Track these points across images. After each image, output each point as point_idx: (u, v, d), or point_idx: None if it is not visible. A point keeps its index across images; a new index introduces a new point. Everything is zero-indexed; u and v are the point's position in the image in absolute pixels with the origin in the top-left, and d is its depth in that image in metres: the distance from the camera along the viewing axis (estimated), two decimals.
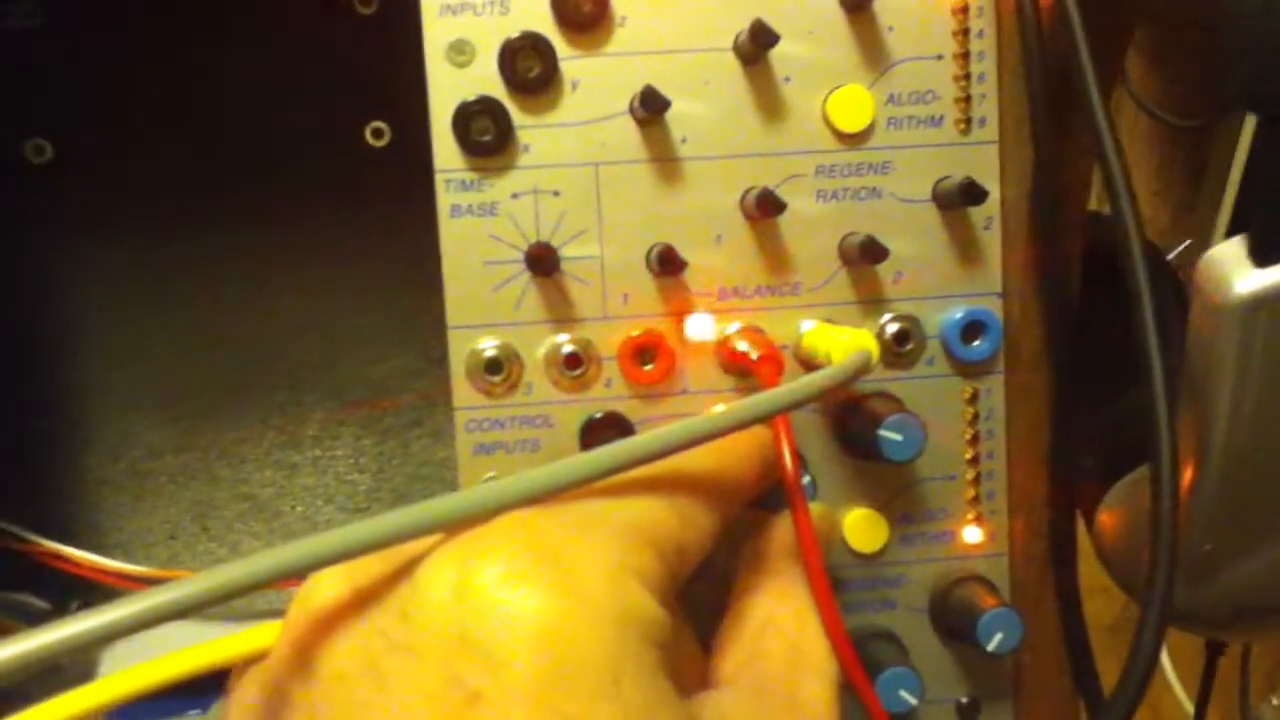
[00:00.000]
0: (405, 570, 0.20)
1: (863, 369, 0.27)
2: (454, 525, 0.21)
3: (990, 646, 0.28)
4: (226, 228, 0.40)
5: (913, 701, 0.28)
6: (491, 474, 0.30)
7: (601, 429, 0.30)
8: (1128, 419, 0.30)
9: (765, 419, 0.25)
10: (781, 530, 0.27)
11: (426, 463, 0.40)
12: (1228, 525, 0.27)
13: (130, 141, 0.40)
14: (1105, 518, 0.30)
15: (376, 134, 0.41)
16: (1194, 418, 0.27)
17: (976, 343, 0.30)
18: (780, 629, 0.25)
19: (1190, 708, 0.88)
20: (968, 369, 0.31)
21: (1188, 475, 0.27)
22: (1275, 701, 0.98)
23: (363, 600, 0.20)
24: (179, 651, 0.19)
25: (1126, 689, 0.26)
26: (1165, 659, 0.94)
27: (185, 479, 0.40)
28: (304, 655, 0.20)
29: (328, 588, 0.20)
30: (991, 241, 0.31)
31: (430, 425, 0.40)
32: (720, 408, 0.25)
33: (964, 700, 0.31)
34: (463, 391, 0.30)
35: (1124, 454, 0.30)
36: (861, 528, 0.30)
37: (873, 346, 0.27)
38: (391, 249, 0.40)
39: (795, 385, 0.25)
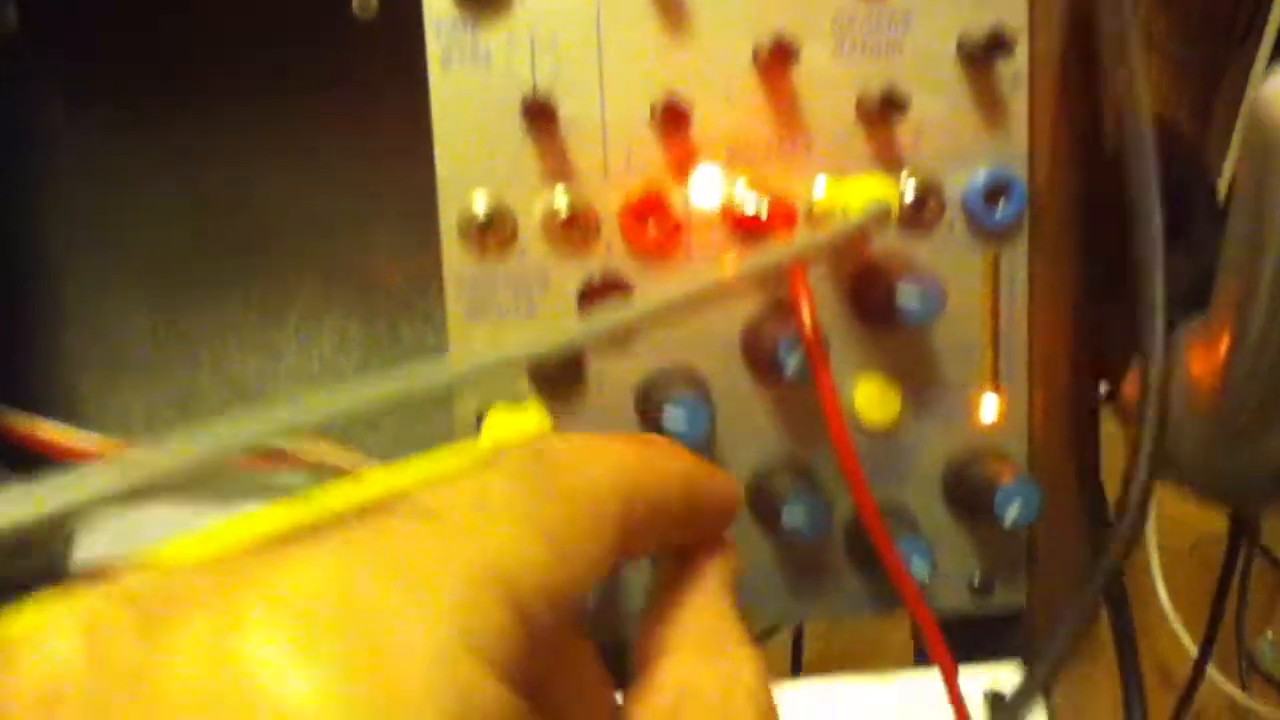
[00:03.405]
0: (160, 611, 0.14)
1: (881, 219, 0.25)
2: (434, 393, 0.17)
3: (1007, 518, 0.27)
4: (207, 102, 0.38)
5: (925, 573, 0.26)
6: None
7: (601, 293, 0.28)
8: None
9: (781, 269, 0.23)
10: (699, 570, 0.21)
11: (417, 348, 0.38)
12: (1268, 391, 0.25)
13: (101, 9, 0.37)
14: (1132, 389, 0.28)
15: (363, 6, 0.39)
16: (1234, 280, 0.25)
17: (1000, 206, 0.29)
18: (701, 699, 0.19)
19: (1191, 647, 0.88)
20: (990, 234, 0.29)
21: (1225, 343, 0.26)
22: (1271, 636, 0.98)
23: (98, 658, 0.14)
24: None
25: (1127, 512, 0.25)
26: (1165, 598, 0.94)
27: (164, 362, 0.38)
28: None
29: (58, 645, 0.14)
30: (1018, 101, 0.29)
31: (421, 308, 0.38)
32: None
33: (977, 576, 0.30)
34: (453, 252, 0.28)
35: None
36: (873, 398, 0.29)
37: (892, 195, 0.26)
38: (381, 125, 0.38)
39: (811, 235, 0.24)
